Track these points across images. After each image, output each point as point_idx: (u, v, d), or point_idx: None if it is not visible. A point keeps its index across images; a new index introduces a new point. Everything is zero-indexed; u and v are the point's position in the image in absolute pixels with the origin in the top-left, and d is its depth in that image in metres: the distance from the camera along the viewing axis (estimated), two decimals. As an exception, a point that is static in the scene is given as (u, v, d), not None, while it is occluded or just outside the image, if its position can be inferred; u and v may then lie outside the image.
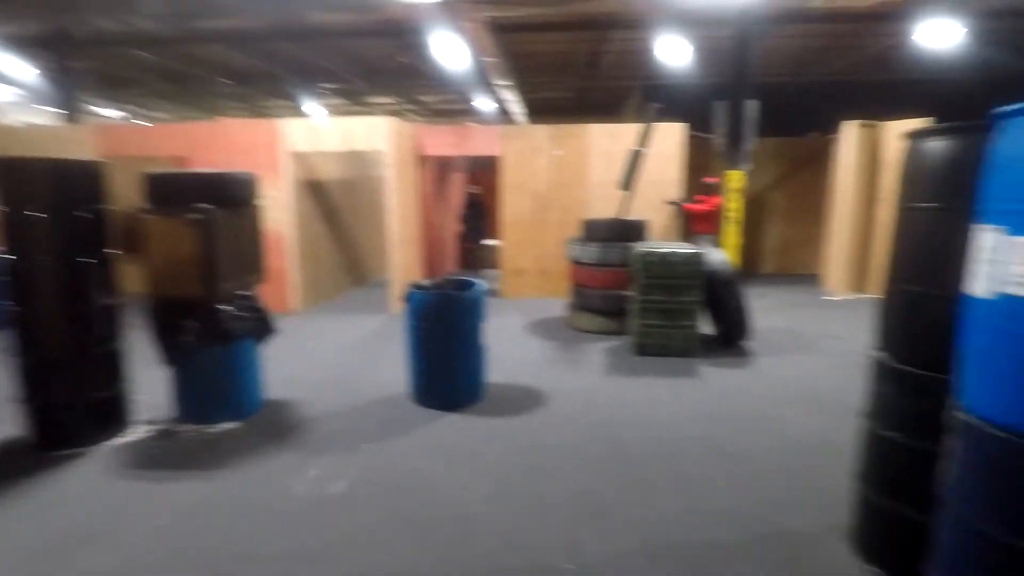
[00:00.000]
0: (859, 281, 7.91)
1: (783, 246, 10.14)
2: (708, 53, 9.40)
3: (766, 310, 6.94)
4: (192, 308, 3.73)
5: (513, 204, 7.92)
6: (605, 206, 7.42)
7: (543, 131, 7.92)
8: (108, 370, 3.76)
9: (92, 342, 3.62)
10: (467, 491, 3.13)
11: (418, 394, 4.28)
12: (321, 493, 3.09)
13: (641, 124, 6.76)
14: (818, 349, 5.68)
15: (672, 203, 7.65)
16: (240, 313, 3.94)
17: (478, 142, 8.04)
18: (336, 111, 15.47)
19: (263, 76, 12.41)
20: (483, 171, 9.75)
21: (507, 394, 4.48)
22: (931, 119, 6.43)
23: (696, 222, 8.01)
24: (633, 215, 6.74)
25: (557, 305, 7.17)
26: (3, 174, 3.37)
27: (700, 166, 8.37)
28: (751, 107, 7.58)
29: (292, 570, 2.50)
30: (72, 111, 9.96)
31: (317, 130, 7.00)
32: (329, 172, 8.05)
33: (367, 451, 3.56)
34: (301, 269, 7.20)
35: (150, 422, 3.94)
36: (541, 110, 16.44)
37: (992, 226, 1.68)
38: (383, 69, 12.33)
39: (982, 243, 1.72)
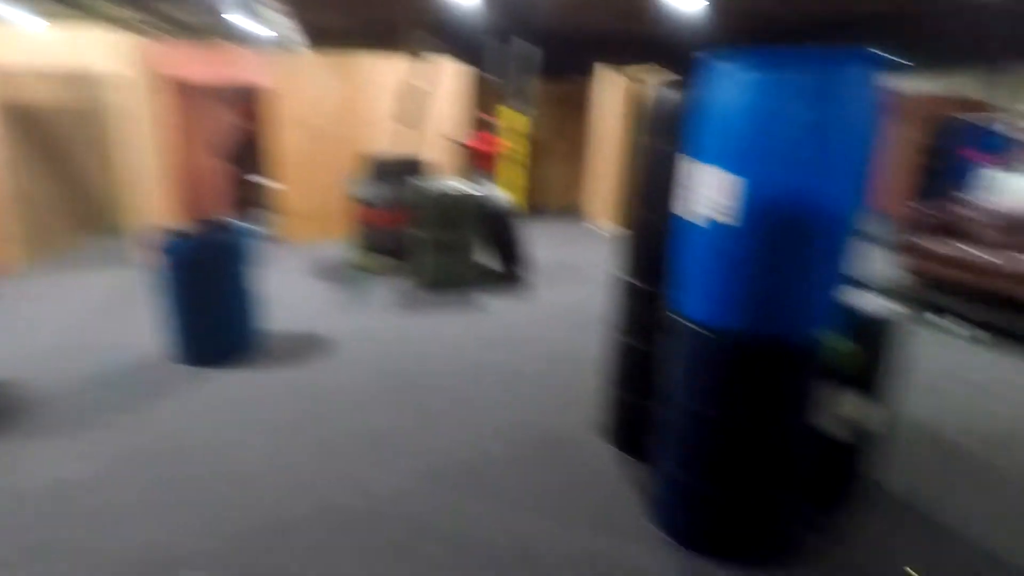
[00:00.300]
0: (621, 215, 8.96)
1: (564, 185, 10.95)
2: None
3: (547, 245, 7.52)
4: None
5: (288, 140, 7.27)
6: (387, 143, 7.20)
7: (318, 61, 7.32)
8: None
9: None
10: (241, 449, 2.95)
11: (180, 351, 3.84)
12: (60, 479, 2.65)
13: (421, 58, 6.61)
14: (585, 277, 6.36)
15: (453, 141, 7.73)
16: None
17: (243, 69, 7.14)
18: (52, 19, 12.40)
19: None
20: (254, 102, 8.74)
21: (286, 343, 4.24)
22: (664, 67, 7.34)
23: (476, 160, 8.24)
24: (416, 152, 6.67)
25: (340, 247, 6.90)
26: None
27: (486, 107, 8.54)
28: (533, 50, 7.88)
29: (27, 569, 2.13)
30: None
31: (19, 39, 5.55)
32: (46, 97, 6.50)
33: (124, 423, 3.12)
34: (12, 219, 5.81)
35: None
36: (321, 37, 15.11)
37: (692, 159, 2.00)
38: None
39: (686, 174, 2.04)
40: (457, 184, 5.52)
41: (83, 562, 2.17)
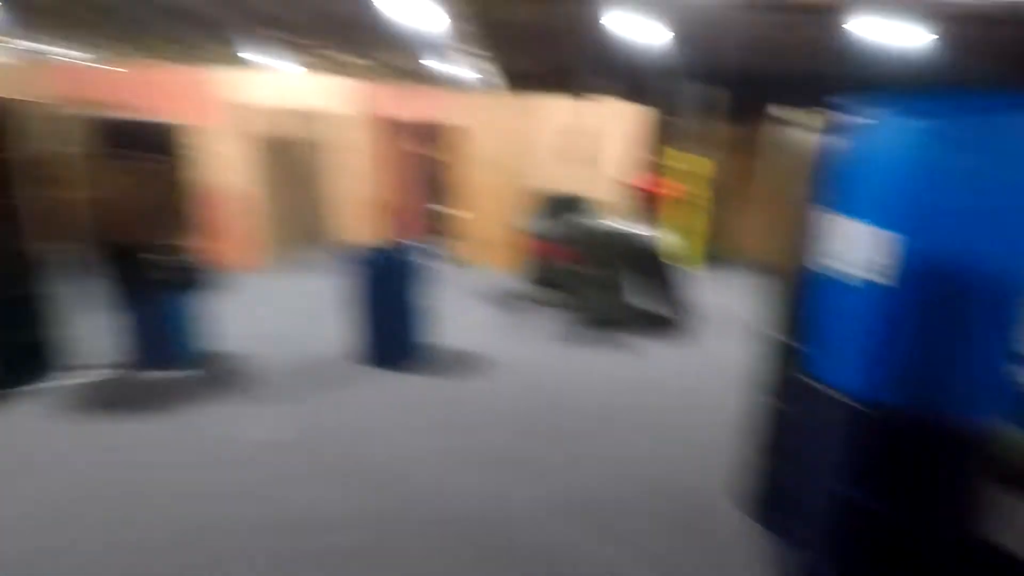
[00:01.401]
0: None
1: (752, 233, 10.31)
2: (680, 34, 9.48)
3: (718, 293, 7.23)
4: (129, 254, 3.71)
5: (472, 173, 7.99)
6: (563, 180, 7.53)
7: (507, 100, 7.98)
8: (28, 314, 3.73)
9: (5, 285, 3.59)
10: (400, 445, 3.31)
11: (363, 353, 4.43)
12: (259, 440, 3.23)
13: (601, 100, 6.87)
14: (757, 332, 5.99)
15: (628, 184, 7.82)
16: (162, 262, 3.87)
17: (441, 107, 8.04)
18: (305, 67, 15.04)
19: (213, 23, 11.94)
20: (446, 137, 9.75)
21: (449, 357, 4.65)
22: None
23: (651, 203, 8.21)
24: (587, 191, 6.90)
25: (511, 276, 7.33)
26: None
27: (666, 149, 8.52)
28: (721, 92, 7.73)
29: (223, 507, 2.65)
30: (25, 48, 9.47)
31: (271, 84, 6.93)
32: (291, 130, 7.96)
33: (308, 403, 3.71)
34: (265, 227, 7.17)
35: (89, 365, 3.98)
36: (515, 79, 16.27)
37: (841, 214, 1.88)
38: (351, 25, 12.02)
39: (833, 229, 1.92)
40: (618, 224, 5.62)
41: (259, 506, 2.64)
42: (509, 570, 2.38)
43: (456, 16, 8.84)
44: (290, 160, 7.98)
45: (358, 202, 7.19)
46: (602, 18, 9.82)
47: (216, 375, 4.05)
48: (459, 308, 6.02)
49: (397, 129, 8.64)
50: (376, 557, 2.40)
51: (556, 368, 4.60)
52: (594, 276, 5.47)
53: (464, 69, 13.44)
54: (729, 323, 6.21)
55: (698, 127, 7.82)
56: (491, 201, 8.02)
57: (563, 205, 6.43)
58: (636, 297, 5.52)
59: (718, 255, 8.85)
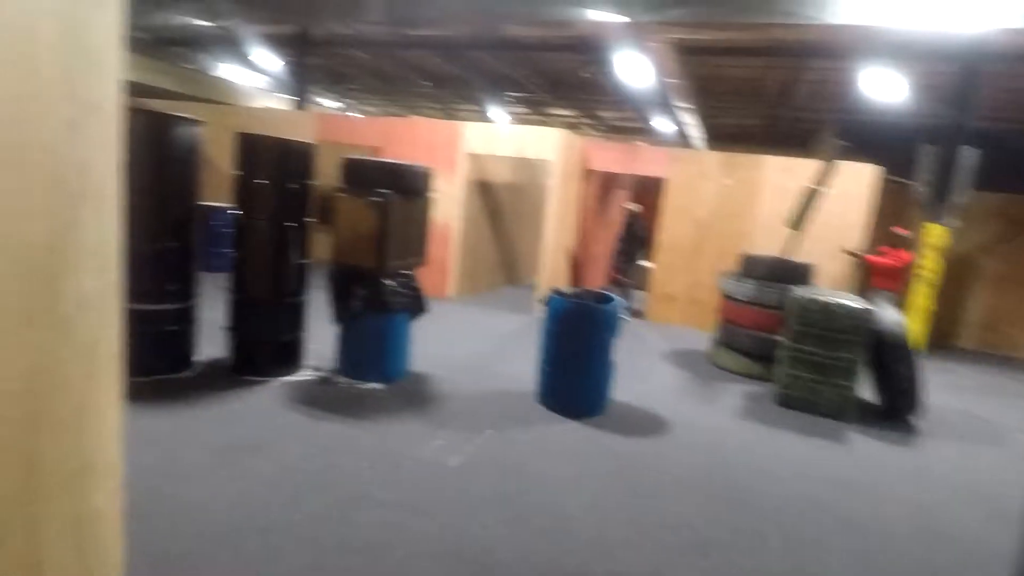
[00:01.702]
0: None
1: (990, 319, 8.69)
2: (920, 89, 8.43)
3: (952, 388, 6.08)
4: (362, 277, 4.27)
5: (672, 228, 7.79)
6: (769, 243, 6.99)
7: (714, 158, 7.70)
8: (293, 319, 4.44)
9: (286, 293, 4.31)
10: (568, 495, 3.23)
11: (543, 395, 4.46)
12: (441, 462, 3.39)
13: (824, 160, 6.29)
14: (1003, 442, 4.86)
15: (851, 253, 6.98)
16: (400, 289, 4.42)
17: (646, 162, 8.03)
18: (517, 119, 16.28)
19: (457, 81, 13.49)
20: (647, 192, 9.70)
21: (630, 415, 4.48)
22: None
23: (877, 276, 7.22)
24: (800, 257, 6.29)
25: (702, 338, 6.93)
26: (241, 147, 4.17)
27: (892, 214, 7.54)
28: (968, 154, 6.66)
29: (394, 517, 2.80)
30: (302, 99, 11.68)
31: (493, 135, 7.53)
32: (500, 175, 8.57)
33: (487, 436, 3.81)
34: (462, 260, 7.78)
35: (316, 368, 4.58)
36: (722, 136, 15.82)
37: None
38: (566, 82, 12.76)
39: None
40: (844, 299, 4.97)
41: (419, 522, 2.72)
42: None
43: (668, 73, 8.90)
44: (495, 202, 8.57)
45: (557, 248, 7.42)
46: (838, 75, 9.13)
47: (409, 392, 4.38)
48: (643, 364, 5.82)
49: (603, 180, 8.83)
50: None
51: (741, 446, 4.15)
52: (805, 353, 4.90)
53: (674, 125, 13.42)
54: (965, 425, 5.15)
55: (942, 192, 6.75)
56: (688, 257, 7.75)
57: (772, 270, 5.93)
58: (853, 382, 4.82)
59: (938, 336, 7.48)
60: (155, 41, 12.00)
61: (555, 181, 7.29)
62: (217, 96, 13.64)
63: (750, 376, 5.80)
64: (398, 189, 4.23)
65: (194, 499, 2.77)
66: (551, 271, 7.39)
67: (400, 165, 4.49)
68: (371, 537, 2.64)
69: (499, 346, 6.00)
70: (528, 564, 2.58)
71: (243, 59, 11.73)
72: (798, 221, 6.18)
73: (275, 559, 2.42)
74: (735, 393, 5.31)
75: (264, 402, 3.95)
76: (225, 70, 13.89)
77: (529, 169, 9.25)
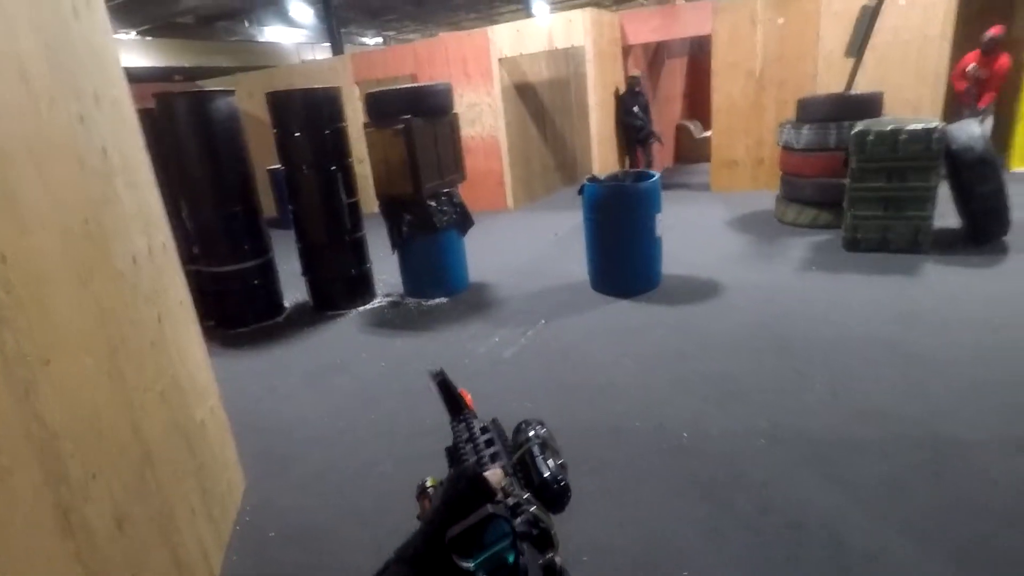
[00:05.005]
0: None
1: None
2: None
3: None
4: (406, 204, 4.56)
5: (725, 87, 7.30)
6: (839, 81, 6.36)
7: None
8: (356, 255, 4.87)
9: (342, 232, 4.72)
10: (616, 366, 3.46)
11: (594, 281, 4.63)
12: (497, 355, 3.74)
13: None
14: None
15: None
16: (443, 207, 4.67)
17: (687, 23, 7.47)
18: (557, 6, 15.38)
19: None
20: (707, 55, 9.01)
21: (684, 285, 4.55)
22: None
23: (965, 94, 6.42)
24: (866, 88, 5.74)
25: (770, 199, 6.64)
26: (272, 105, 4.48)
27: (987, 20, 6.49)
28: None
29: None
30: (337, 44, 11.77)
31: (521, 33, 7.29)
32: (538, 74, 8.35)
33: (539, 327, 4.09)
34: (511, 170, 7.84)
35: (387, 295, 5.05)
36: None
37: None
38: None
39: None
40: (907, 122, 4.56)
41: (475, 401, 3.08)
42: (699, 494, 2.36)
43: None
44: (537, 103, 8.42)
45: (602, 134, 7.26)
46: None
47: (471, 301, 4.73)
48: (704, 236, 5.76)
49: (648, 53, 8.33)
50: (576, 465, 2.62)
51: (802, 298, 4.11)
52: (876, 190, 4.61)
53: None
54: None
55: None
56: (744, 116, 7.28)
57: (836, 109, 5.44)
58: (928, 211, 4.51)
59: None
60: (200, 21, 12.54)
61: (591, 66, 7.03)
62: (268, 61, 14.13)
63: (818, 226, 5.56)
64: (420, 112, 4.38)
65: (291, 413, 3.33)
66: (604, 161, 7.29)
67: (417, 88, 4.62)
68: (434, 423, 3.05)
69: (556, 246, 6.15)
70: (569, 427, 2.88)
71: (284, 17, 11.98)
72: (858, 46, 5.58)
73: (357, 451, 2.91)
74: (799, 247, 5.16)
75: (344, 330, 4.48)
76: (271, 33, 14.29)
77: (566, 60, 8.90)
